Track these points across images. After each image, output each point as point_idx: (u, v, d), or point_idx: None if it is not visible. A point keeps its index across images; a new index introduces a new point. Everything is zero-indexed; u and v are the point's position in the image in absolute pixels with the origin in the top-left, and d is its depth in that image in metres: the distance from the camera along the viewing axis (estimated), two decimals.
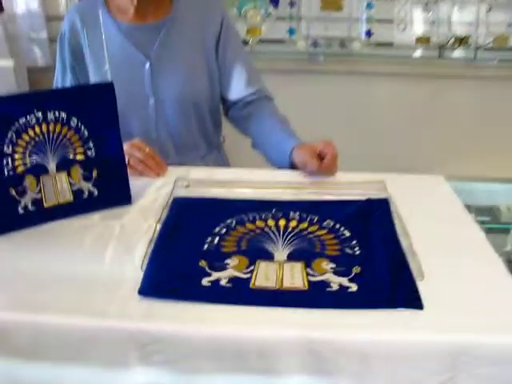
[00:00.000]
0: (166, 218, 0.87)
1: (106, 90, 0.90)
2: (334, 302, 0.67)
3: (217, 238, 0.81)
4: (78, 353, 0.65)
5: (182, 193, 0.98)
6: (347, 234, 0.82)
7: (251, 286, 0.70)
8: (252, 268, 0.74)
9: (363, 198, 0.93)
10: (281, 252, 0.78)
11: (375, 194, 0.96)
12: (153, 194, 0.99)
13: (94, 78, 1.20)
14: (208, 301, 0.68)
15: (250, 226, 0.85)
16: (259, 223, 0.86)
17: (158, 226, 0.85)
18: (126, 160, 0.98)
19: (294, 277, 0.72)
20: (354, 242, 0.80)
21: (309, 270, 0.73)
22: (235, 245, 0.80)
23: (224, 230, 0.84)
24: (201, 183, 1.01)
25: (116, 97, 0.90)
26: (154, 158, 1.07)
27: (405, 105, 2.04)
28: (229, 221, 0.86)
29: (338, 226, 0.85)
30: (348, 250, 0.78)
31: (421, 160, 1.78)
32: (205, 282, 0.71)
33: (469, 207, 0.95)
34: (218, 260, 0.76)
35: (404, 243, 0.80)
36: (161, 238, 0.81)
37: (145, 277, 0.72)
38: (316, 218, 0.87)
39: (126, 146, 1.01)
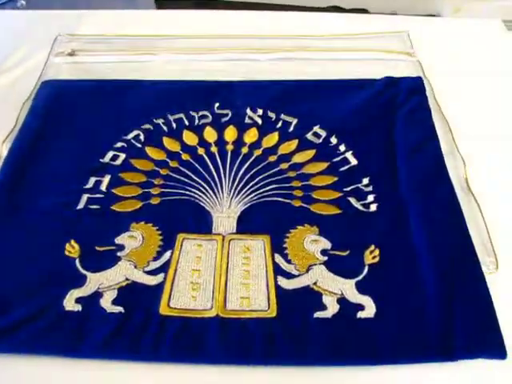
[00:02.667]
0: (21, 133, 0.47)
1: None
2: (329, 352, 0.33)
3: (106, 180, 0.43)
4: None
5: (63, 70, 0.54)
6: (353, 160, 0.44)
7: (161, 310, 0.35)
8: (168, 257, 0.37)
9: (376, 74, 0.52)
10: (227, 209, 0.40)
11: (395, 61, 0.55)
12: (15, 70, 0.55)
13: None
14: (74, 355, 0.33)
15: (170, 144, 0.46)
16: (188, 138, 0.46)
17: (6, 150, 0.45)
18: None
19: (249, 282, 0.36)
20: (366, 180, 0.42)
21: (278, 257, 0.37)
22: (139, 194, 0.42)
23: (121, 159, 0.44)
24: (96, 45, 0.58)
25: None
26: None
27: None
28: (131, 135, 0.46)
29: (334, 140, 0.46)
30: (355, 203, 0.41)
31: None
32: (70, 302, 0.35)
33: None
34: (101, 237, 0.38)
35: (454, 182, 0.43)
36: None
37: None
38: (295, 123, 0.47)
39: None
